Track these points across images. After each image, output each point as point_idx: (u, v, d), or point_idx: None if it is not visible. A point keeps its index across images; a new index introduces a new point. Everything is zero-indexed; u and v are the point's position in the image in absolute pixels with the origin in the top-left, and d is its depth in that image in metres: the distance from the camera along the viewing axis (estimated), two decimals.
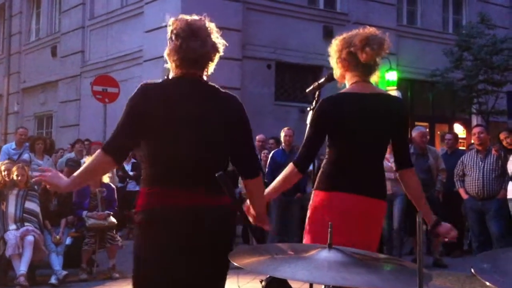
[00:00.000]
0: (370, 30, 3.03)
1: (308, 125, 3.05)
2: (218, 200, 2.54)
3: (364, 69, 3.04)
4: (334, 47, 3.09)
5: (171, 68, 2.70)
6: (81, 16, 16.31)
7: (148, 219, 2.56)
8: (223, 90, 2.74)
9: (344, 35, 3.08)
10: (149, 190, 2.58)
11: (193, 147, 2.55)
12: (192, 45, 2.59)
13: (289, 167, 3.07)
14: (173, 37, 2.63)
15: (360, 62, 2.98)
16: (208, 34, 2.66)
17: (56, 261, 6.86)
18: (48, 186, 2.86)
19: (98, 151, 2.65)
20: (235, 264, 1.68)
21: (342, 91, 3.10)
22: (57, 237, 7.03)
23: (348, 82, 3.13)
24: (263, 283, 1.97)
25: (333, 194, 2.93)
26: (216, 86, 2.71)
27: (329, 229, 1.67)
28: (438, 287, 6.67)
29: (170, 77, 2.72)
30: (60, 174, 2.82)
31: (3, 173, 7.00)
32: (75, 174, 2.71)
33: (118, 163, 2.71)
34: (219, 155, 2.65)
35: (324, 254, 1.65)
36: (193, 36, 2.61)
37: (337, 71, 3.14)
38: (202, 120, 2.58)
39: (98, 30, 15.79)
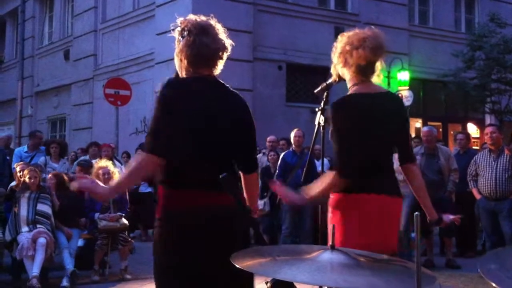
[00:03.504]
0: (371, 31, 3.02)
1: (330, 129, 3.01)
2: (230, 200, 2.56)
3: (358, 70, 3.02)
4: (338, 43, 3.10)
5: (181, 67, 2.72)
6: (93, 20, 16.41)
7: (166, 222, 2.60)
8: (232, 89, 2.77)
9: (351, 32, 3.08)
10: (167, 192, 2.62)
11: (211, 147, 2.60)
12: (205, 41, 2.63)
13: (329, 174, 2.97)
14: (185, 34, 2.66)
15: (354, 62, 2.98)
16: (216, 32, 2.71)
17: (68, 259, 6.89)
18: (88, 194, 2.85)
19: (141, 152, 2.65)
20: (237, 266, 1.68)
21: (350, 92, 3.09)
22: (69, 231, 7.10)
23: (348, 81, 3.12)
24: (268, 284, 1.96)
25: (350, 197, 2.91)
26: (226, 85, 2.75)
27: (331, 231, 1.66)
28: None
29: (184, 76, 2.74)
30: (98, 181, 2.78)
31: (18, 174, 7.07)
32: (118, 180, 2.66)
33: (162, 157, 2.59)
34: (231, 153, 2.70)
35: (327, 256, 1.64)
36: (205, 33, 2.65)
37: (338, 66, 3.13)
38: (220, 119, 2.64)
39: (110, 33, 15.88)
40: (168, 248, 2.59)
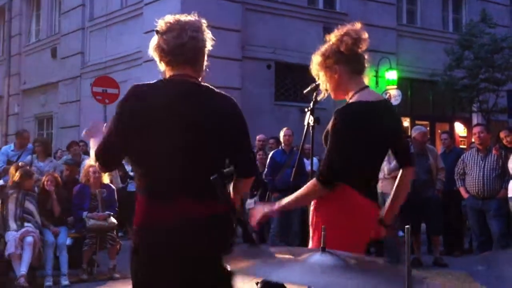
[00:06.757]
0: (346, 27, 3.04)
1: (331, 135, 2.83)
2: (210, 209, 2.44)
3: (352, 69, 2.99)
4: (315, 62, 3.12)
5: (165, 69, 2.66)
6: (81, 18, 16.31)
7: (140, 236, 2.63)
8: (218, 91, 2.62)
9: (325, 46, 3.09)
10: (142, 200, 2.54)
11: (183, 152, 2.47)
12: (165, 37, 2.55)
13: (311, 182, 2.84)
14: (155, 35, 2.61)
15: (344, 54, 2.97)
16: (188, 28, 2.56)
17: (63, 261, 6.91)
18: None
19: (91, 152, 2.65)
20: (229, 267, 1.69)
21: (358, 100, 2.93)
22: (55, 229, 7.08)
23: (351, 88, 3.01)
24: (259, 285, 1.96)
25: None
26: (210, 87, 2.59)
27: (323, 232, 1.67)
28: (438, 286, 6.66)
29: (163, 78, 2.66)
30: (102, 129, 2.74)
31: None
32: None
33: (108, 170, 2.67)
34: (212, 158, 2.53)
35: (317, 258, 1.65)
36: (169, 30, 2.56)
37: (330, 81, 3.07)
38: (193, 123, 2.48)
39: (97, 31, 15.80)
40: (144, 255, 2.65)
